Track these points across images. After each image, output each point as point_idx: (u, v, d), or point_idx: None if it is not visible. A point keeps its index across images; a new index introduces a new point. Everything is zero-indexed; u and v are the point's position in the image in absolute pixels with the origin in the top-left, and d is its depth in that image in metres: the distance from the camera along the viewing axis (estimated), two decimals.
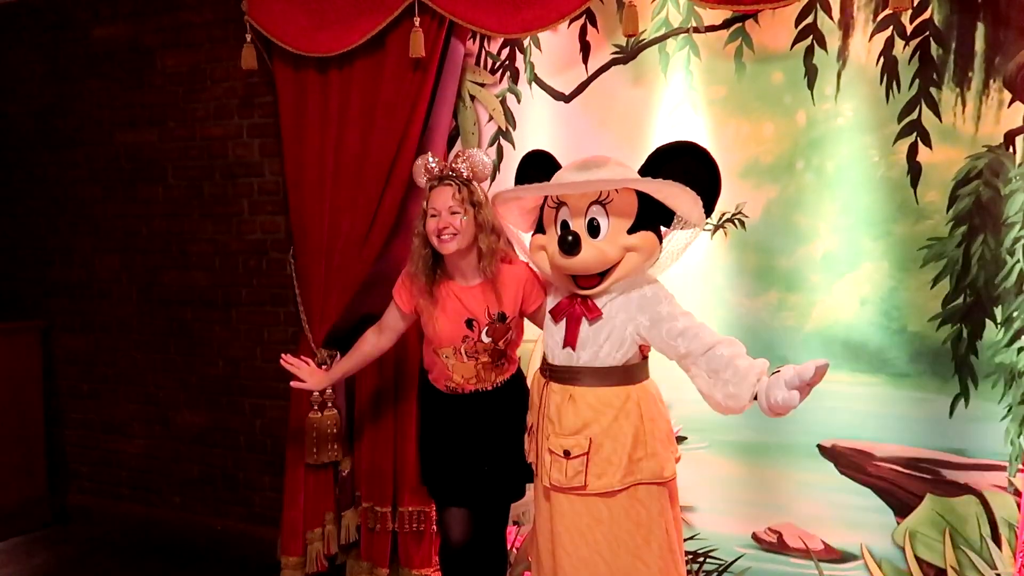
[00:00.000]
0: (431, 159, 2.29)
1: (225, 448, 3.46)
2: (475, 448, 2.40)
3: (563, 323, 2.13)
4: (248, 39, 2.84)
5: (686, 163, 2.00)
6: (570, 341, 2.11)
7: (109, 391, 3.69)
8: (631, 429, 2.05)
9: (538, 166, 2.26)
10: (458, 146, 2.89)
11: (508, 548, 2.88)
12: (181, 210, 3.44)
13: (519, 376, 2.47)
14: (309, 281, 2.93)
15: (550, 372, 2.18)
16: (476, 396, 2.38)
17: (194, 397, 3.51)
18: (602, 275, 2.07)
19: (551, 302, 2.22)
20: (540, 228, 2.22)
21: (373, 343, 2.50)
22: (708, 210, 2.02)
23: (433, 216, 2.24)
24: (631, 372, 2.10)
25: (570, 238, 2.01)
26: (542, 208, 2.19)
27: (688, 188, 1.97)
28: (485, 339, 2.29)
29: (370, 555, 2.92)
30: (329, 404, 2.94)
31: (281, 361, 2.52)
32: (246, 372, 3.39)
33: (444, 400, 2.42)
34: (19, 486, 3.68)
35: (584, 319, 2.09)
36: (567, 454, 2.08)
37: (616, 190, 2.03)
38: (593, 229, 2.04)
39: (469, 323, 2.28)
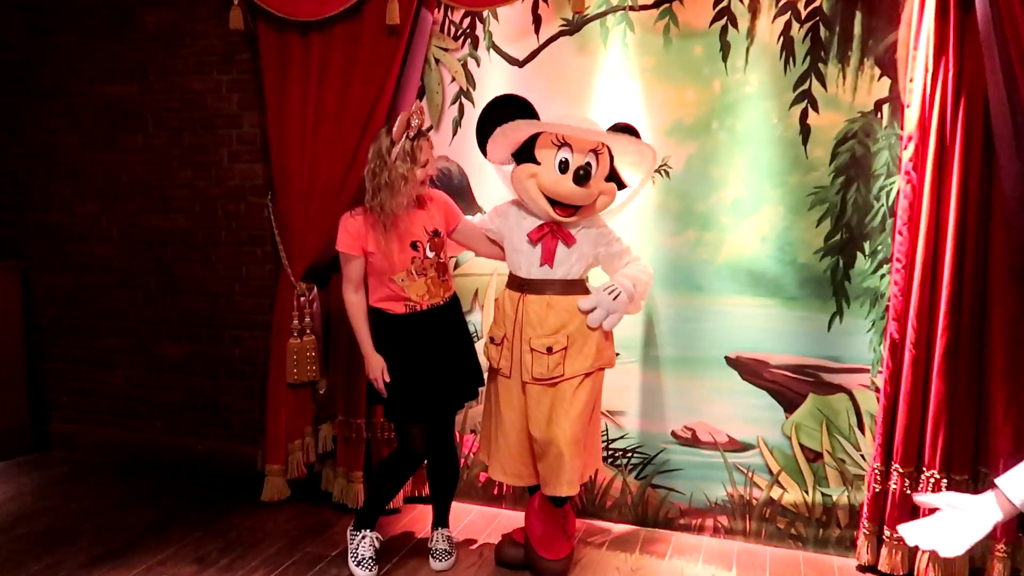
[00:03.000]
0: (415, 116, 2.66)
1: (205, 376, 3.80)
2: (437, 361, 2.77)
3: (539, 246, 2.67)
4: (235, 2, 3.15)
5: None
6: (547, 260, 2.67)
7: (90, 327, 3.97)
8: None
9: (513, 106, 2.68)
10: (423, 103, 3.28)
11: (464, 452, 3.37)
12: (161, 158, 3.73)
13: (456, 296, 2.89)
14: (289, 223, 3.29)
15: (526, 286, 2.69)
16: (432, 312, 2.75)
17: (175, 330, 3.83)
18: (577, 210, 2.62)
19: (526, 228, 2.70)
20: (525, 159, 2.68)
21: (361, 301, 2.76)
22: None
23: (424, 167, 2.67)
24: (584, 284, 2.72)
25: (581, 172, 2.55)
26: (527, 143, 2.67)
27: (650, 153, 2.64)
28: (429, 254, 2.73)
29: (346, 461, 3.33)
30: (308, 331, 3.33)
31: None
32: (225, 305, 3.72)
33: (403, 322, 2.73)
34: (1, 416, 3.93)
35: (560, 243, 2.66)
36: (549, 350, 2.62)
37: (605, 145, 2.61)
38: (586, 172, 2.56)
39: (414, 245, 2.70)
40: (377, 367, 2.72)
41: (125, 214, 3.83)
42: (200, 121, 3.64)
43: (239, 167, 3.62)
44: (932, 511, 1.49)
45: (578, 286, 2.71)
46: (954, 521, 1.42)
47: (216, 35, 3.51)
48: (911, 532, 1.47)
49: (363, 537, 2.83)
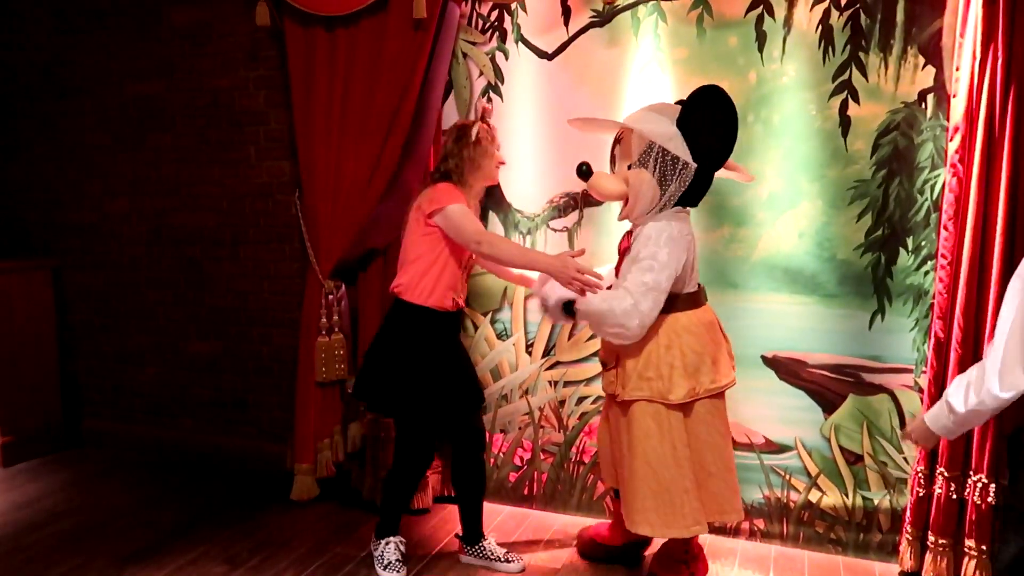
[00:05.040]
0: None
1: (234, 374, 3.80)
2: (464, 361, 2.82)
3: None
4: None
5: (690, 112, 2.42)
6: (617, 269, 2.56)
7: (121, 324, 3.99)
8: (646, 350, 2.43)
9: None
10: (450, 100, 3.24)
11: (493, 452, 3.33)
12: (189, 156, 3.73)
13: None
14: (316, 220, 3.26)
15: None
16: (460, 312, 2.80)
17: (204, 328, 3.83)
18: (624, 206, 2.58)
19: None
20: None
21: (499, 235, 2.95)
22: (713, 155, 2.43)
23: (501, 164, 2.79)
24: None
25: (583, 167, 2.52)
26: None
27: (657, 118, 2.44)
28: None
29: (375, 460, 3.31)
30: (336, 329, 3.31)
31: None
32: (254, 303, 3.72)
33: (446, 320, 2.71)
34: (35, 414, 3.97)
35: (626, 250, 2.52)
36: (605, 365, 2.56)
37: (627, 132, 2.50)
38: (585, 167, 2.53)
39: None
40: (572, 264, 2.45)
41: (154, 212, 3.84)
42: (227, 119, 3.63)
43: (266, 164, 3.60)
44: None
45: None
46: None
47: (242, 32, 3.50)
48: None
49: (387, 543, 2.79)
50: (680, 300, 2.48)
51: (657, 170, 2.40)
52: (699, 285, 2.59)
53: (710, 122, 2.38)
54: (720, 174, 2.53)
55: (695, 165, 2.39)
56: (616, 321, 2.35)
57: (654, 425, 2.44)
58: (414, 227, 2.67)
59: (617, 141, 2.57)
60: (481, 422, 2.88)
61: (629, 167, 2.47)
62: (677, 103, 2.53)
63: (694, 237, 2.53)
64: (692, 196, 2.48)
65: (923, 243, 2.75)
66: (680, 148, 2.38)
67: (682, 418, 2.46)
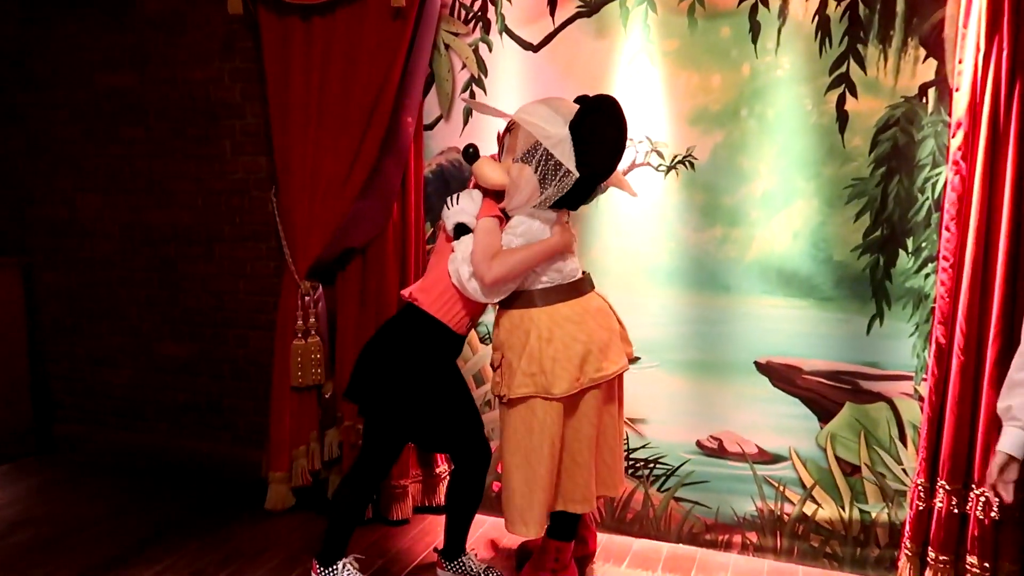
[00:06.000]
0: None
1: (210, 377, 3.67)
2: (462, 379, 2.67)
3: None
4: None
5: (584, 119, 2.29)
6: None
7: (93, 325, 3.86)
8: (526, 347, 2.36)
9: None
10: (432, 94, 3.11)
11: None
12: (163, 151, 3.59)
13: None
14: (293, 218, 3.13)
15: None
16: (464, 337, 2.59)
17: (178, 329, 3.70)
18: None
19: None
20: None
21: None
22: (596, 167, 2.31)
23: None
24: (534, 297, 2.40)
25: (471, 149, 2.42)
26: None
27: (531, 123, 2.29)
28: None
29: None
30: (312, 332, 3.18)
31: None
32: (230, 304, 3.58)
33: (458, 343, 2.57)
34: (3, 417, 3.82)
35: None
36: (491, 366, 2.48)
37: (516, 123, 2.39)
38: (473, 149, 2.44)
39: None
40: (569, 236, 2.42)
41: (127, 208, 3.70)
42: (202, 112, 3.50)
43: (243, 159, 3.47)
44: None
45: (517, 299, 2.42)
46: None
47: (217, 22, 3.37)
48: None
49: (343, 566, 2.54)
50: (559, 290, 2.41)
51: (539, 171, 2.30)
52: (584, 273, 2.50)
53: (599, 135, 2.28)
54: (608, 184, 2.48)
55: (577, 175, 2.28)
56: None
57: (535, 423, 2.37)
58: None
59: (508, 130, 2.46)
60: (486, 439, 2.69)
61: (514, 160, 2.37)
62: (577, 100, 2.40)
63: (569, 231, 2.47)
64: (572, 200, 2.39)
65: (924, 244, 2.63)
66: (566, 154, 2.26)
67: (561, 411, 2.37)
